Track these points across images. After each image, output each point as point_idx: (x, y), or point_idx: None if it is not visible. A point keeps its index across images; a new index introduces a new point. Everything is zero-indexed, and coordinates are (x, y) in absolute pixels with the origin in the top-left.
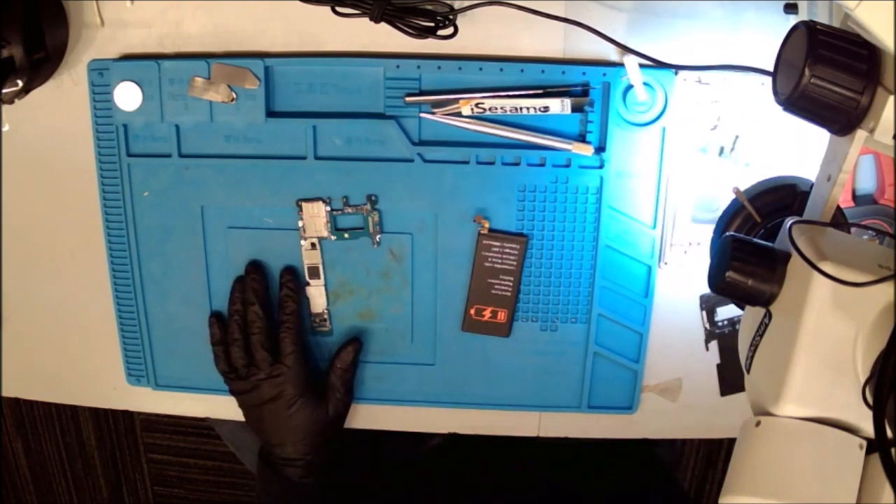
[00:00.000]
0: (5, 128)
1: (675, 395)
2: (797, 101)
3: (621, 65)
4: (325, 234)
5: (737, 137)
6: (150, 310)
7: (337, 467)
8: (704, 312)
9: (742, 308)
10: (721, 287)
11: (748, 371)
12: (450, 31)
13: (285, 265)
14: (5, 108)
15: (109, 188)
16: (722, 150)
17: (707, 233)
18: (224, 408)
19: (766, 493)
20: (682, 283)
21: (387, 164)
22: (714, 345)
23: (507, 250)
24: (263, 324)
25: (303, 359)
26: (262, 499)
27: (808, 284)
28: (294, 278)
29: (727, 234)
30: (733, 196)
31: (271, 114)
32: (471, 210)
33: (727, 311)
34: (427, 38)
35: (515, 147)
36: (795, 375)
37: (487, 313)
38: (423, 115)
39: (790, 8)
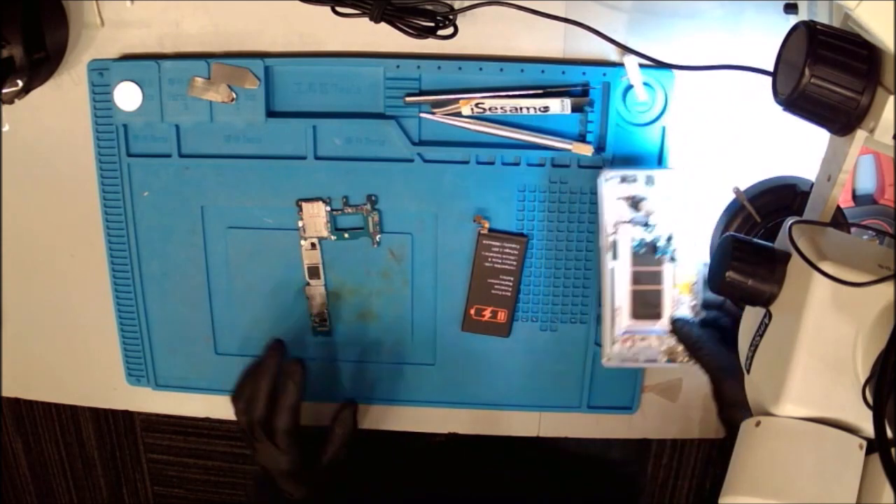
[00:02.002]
0: (5, 128)
1: (675, 395)
2: (797, 101)
3: (621, 65)
4: (325, 234)
5: (671, 237)
6: (150, 310)
7: (341, 490)
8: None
9: (742, 308)
10: (721, 287)
11: (748, 371)
12: (450, 31)
13: (294, 357)
14: (5, 108)
15: (109, 188)
16: (656, 249)
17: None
18: (224, 408)
19: (766, 493)
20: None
21: (387, 164)
22: None
23: (507, 250)
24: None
25: (297, 437)
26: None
27: (808, 284)
28: (301, 369)
29: (727, 234)
30: (733, 196)
31: (271, 114)
32: (471, 210)
33: None
34: (427, 38)
35: (515, 147)
36: (795, 375)
37: (487, 313)
38: (423, 115)
39: (790, 8)
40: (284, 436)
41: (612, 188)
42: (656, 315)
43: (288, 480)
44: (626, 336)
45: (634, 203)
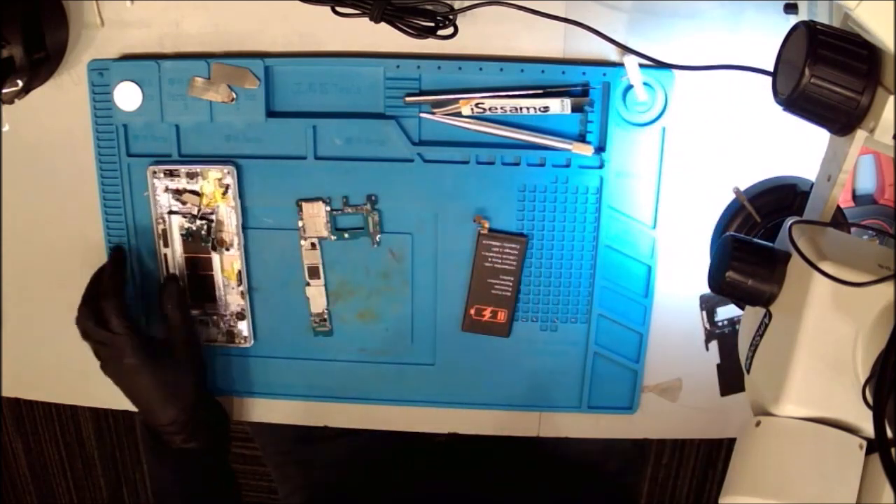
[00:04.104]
0: (5, 128)
1: (675, 395)
2: (797, 101)
3: (621, 65)
4: (325, 234)
5: (211, 228)
6: (150, 310)
7: (221, 429)
8: (704, 312)
9: (742, 308)
10: (721, 287)
11: (748, 371)
12: (450, 31)
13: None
14: (5, 108)
15: (109, 188)
16: (201, 238)
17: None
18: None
19: (766, 493)
20: (682, 283)
21: (387, 164)
22: (714, 345)
23: (507, 250)
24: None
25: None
26: (154, 470)
27: (808, 284)
28: (118, 254)
29: (727, 234)
30: (733, 196)
31: (271, 114)
32: (471, 210)
33: (727, 311)
34: (427, 38)
35: (515, 147)
36: (795, 375)
37: (487, 313)
38: (423, 115)
39: (790, 8)
40: (114, 313)
41: (160, 181)
42: (211, 298)
43: (137, 374)
44: None
45: (179, 195)
